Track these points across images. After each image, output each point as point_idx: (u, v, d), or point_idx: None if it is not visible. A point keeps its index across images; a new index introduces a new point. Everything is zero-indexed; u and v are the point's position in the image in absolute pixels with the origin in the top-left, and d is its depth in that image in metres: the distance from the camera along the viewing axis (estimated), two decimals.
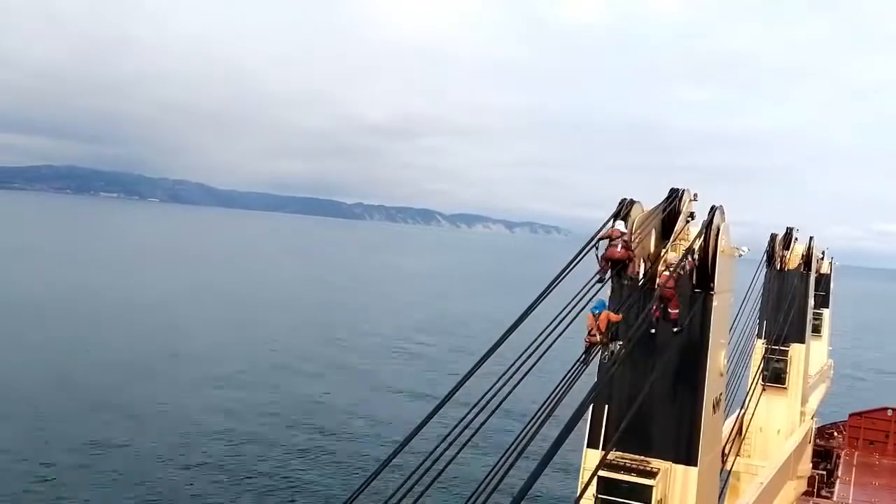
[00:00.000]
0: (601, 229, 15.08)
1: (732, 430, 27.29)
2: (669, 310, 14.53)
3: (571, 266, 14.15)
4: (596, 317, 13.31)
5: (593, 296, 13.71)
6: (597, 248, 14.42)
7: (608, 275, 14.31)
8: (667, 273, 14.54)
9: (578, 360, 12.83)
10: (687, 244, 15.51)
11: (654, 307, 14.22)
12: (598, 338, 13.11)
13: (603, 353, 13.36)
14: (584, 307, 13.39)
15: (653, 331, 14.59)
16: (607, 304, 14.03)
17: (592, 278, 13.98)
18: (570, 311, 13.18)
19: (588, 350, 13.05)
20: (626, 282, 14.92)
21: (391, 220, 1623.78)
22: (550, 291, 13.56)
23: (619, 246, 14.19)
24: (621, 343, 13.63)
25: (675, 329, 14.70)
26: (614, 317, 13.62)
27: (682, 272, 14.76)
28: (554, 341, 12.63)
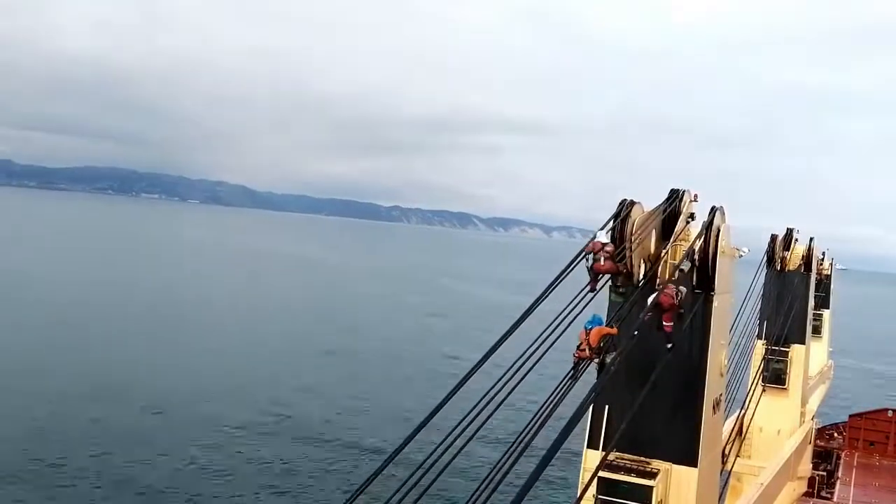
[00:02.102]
0: (597, 234, 15.03)
1: (733, 430, 27.28)
2: (664, 322, 14.15)
3: (558, 281, 13.82)
4: (588, 332, 13.09)
5: (587, 304, 13.47)
6: (587, 261, 14.16)
7: (599, 286, 14.07)
8: (670, 282, 14.14)
9: (567, 375, 12.59)
10: (687, 245, 15.48)
11: (647, 314, 13.91)
12: (587, 353, 12.90)
13: (599, 362, 13.15)
14: (579, 315, 13.17)
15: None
16: (604, 319, 13.70)
17: (583, 290, 13.71)
18: (562, 320, 13.02)
19: (577, 365, 12.85)
20: (614, 295, 14.57)
21: (427, 223, 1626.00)
22: (538, 304, 13.23)
23: (602, 259, 13.96)
24: (614, 354, 13.32)
25: (668, 345, 14.38)
26: (608, 330, 13.33)
27: (683, 280, 14.40)
28: (544, 353, 12.45)
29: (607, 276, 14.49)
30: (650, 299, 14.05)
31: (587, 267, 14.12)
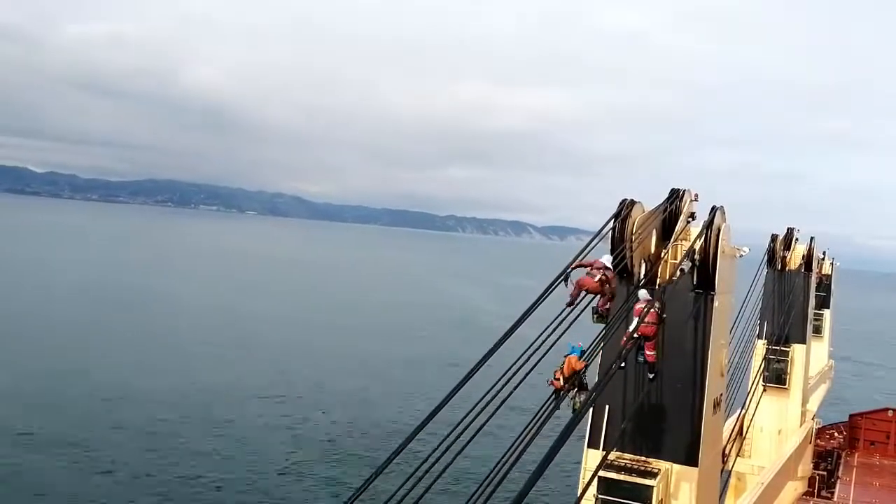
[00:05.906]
0: (596, 235, 14.93)
1: (733, 430, 27.32)
2: (646, 351, 13.88)
3: (549, 291, 13.26)
4: (567, 361, 12.59)
5: (574, 319, 12.96)
6: (569, 277, 13.57)
7: (577, 300, 13.38)
8: (645, 309, 13.59)
9: (547, 403, 12.08)
10: (687, 244, 15.50)
11: (627, 342, 13.64)
12: (560, 384, 12.35)
13: (572, 398, 12.48)
14: (566, 329, 12.70)
15: (623, 364, 13.88)
16: (576, 346, 12.99)
17: (565, 308, 13.15)
18: (551, 334, 12.57)
19: (557, 393, 12.38)
20: (594, 318, 14.17)
21: (482, 231, 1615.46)
22: (529, 315, 12.70)
23: (596, 277, 13.41)
24: (584, 398, 12.61)
25: (650, 375, 14.18)
26: (577, 364, 12.57)
27: (659, 310, 13.95)
28: (530, 371, 12.06)
29: (590, 295, 13.69)
30: (631, 328, 13.67)
31: (572, 282, 13.48)
